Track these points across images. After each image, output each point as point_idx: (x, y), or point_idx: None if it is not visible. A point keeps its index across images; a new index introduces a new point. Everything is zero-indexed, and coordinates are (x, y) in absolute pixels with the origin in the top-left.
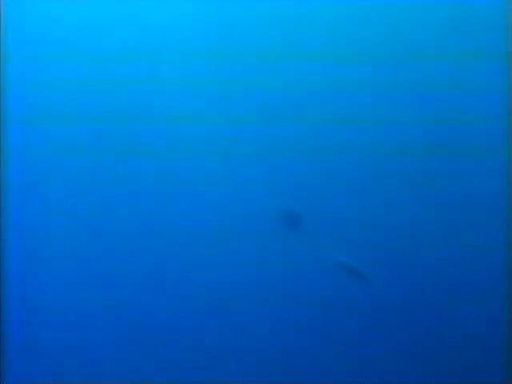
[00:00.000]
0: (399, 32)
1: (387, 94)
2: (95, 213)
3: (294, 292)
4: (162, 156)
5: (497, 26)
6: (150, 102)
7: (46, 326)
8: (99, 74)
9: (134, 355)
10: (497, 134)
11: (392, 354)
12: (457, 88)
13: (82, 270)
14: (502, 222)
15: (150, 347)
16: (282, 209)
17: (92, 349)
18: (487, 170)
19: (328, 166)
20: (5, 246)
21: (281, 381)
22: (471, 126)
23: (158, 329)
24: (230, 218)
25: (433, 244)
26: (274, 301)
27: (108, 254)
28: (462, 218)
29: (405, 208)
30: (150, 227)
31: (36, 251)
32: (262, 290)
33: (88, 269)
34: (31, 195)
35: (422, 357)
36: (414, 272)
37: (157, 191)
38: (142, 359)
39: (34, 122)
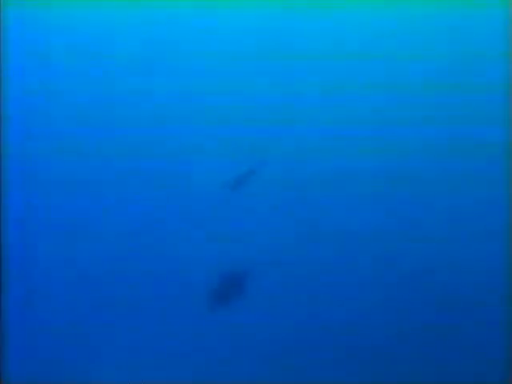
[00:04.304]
0: (404, 36)
1: (391, 95)
2: (94, 211)
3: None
4: (161, 157)
5: (497, 29)
6: (150, 104)
7: (46, 324)
8: (100, 76)
9: (133, 355)
10: (497, 135)
11: (392, 353)
12: (459, 89)
13: (82, 268)
14: (502, 222)
15: (147, 345)
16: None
17: (91, 348)
18: (487, 170)
19: (329, 165)
20: (5, 245)
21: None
22: (471, 127)
23: (157, 328)
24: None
25: (432, 243)
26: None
27: (106, 252)
28: (462, 217)
29: (405, 208)
30: (147, 224)
31: (36, 249)
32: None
33: (88, 268)
34: (31, 194)
35: (422, 356)
36: (413, 271)
37: (154, 190)
38: (140, 358)
39: (34, 123)
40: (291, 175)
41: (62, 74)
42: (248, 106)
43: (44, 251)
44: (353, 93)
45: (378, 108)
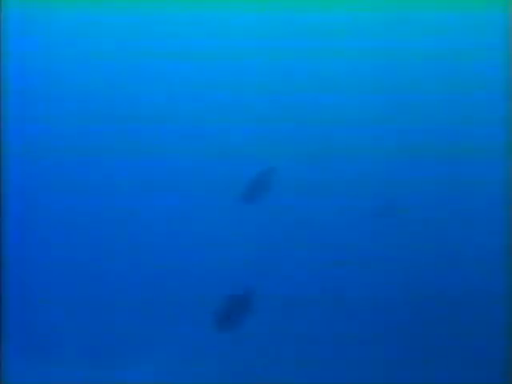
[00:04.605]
0: (403, 36)
1: (390, 94)
2: (95, 215)
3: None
4: (163, 159)
5: (497, 29)
6: (154, 103)
7: (46, 325)
8: (101, 76)
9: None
10: (497, 135)
11: (389, 352)
12: (458, 89)
13: (82, 270)
14: (502, 222)
15: (151, 356)
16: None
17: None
18: (486, 170)
19: (330, 167)
20: (5, 245)
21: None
22: (472, 127)
23: (162, 344)
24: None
25: (433, 243)
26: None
27: (105, 253)
28: (462, 218)
29: (405, 208)
30: (147, 224)
31: (36, 250)
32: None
33: (88, 270)
34: (31, 193)
35: (422, 356)
36: (413, 272)
37: (154, 190)
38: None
39: (34, 122)
40: (300, 186)
41: (63, 74)
42: (251, 106)
43: (44, 252)
44: (354, 92)
45: (377, 108)
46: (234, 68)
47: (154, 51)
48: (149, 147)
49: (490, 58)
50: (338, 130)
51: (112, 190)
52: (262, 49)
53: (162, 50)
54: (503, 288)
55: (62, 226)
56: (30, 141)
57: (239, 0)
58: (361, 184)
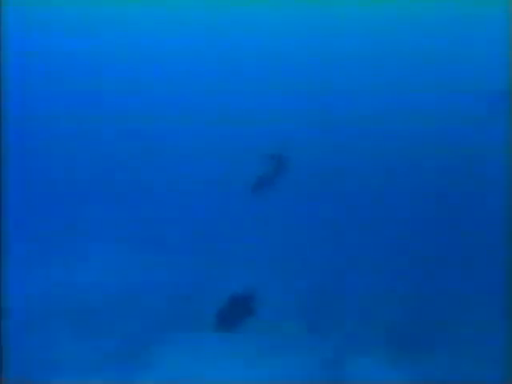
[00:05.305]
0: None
1: (392, 95)
2: (95, 220)
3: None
4: (163, 160)
5: (497, 29)
6: (155, 103)
7: (47, 324)
8: (100, 75)
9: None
10: (496, 135)
11: (391, 352)
12: (458, 89)
13: (81, 274)
14: (502, 217)
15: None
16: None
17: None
18: (487, 171)
19: (332, 163)
20: (5, 243)
21: None
22: (471, 127)
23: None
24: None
25: (432, 240)
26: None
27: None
28: (462, 214)
29: (405, 202)
30: (150, 233)
31: (37, 246)
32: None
33: (87, 277)
34: (31, 193)
35: (421, 356)
36: (411, 267)
37: (160, 195)
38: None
39: (34, 122)
40: (302, 187)
41: (62, 73)
42: (248, 107)
43: (45, 249)
44: (353, 93)
45: (377, 108)
46: (240, 65)
47: (158, 49)
48: (153, 148)
49: (490, 58)
50: (344, 129)
51: (113, 194)
52: (267, 46)
53: (167, 46)
54: (503, 288)
55: (61, 227)
56: (30, 140)
57: (253, 2)
58: (360, 186)
